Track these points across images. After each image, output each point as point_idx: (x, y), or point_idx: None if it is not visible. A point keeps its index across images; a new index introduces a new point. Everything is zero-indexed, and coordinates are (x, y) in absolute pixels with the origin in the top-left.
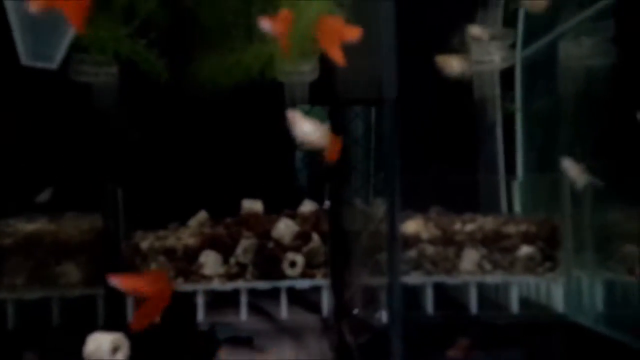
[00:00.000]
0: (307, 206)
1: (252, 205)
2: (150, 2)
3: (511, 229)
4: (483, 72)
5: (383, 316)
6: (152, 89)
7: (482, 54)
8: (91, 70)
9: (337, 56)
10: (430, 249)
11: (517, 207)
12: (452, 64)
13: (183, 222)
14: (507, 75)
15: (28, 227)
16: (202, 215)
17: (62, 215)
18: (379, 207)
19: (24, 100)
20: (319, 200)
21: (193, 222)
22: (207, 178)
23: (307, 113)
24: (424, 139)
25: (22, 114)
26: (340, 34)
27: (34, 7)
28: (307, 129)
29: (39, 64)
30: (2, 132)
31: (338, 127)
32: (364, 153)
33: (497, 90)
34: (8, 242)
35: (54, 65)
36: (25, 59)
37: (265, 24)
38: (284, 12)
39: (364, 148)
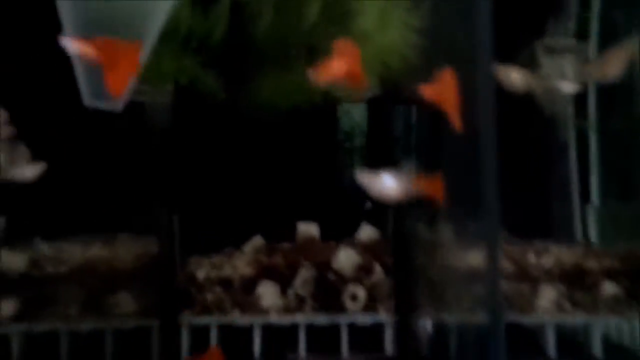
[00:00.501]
0: (366, 231)
1: (308, 229)
2: (214, 30)
3: (592, 263)
4: (554, 89)
5: (428, 326)
6: (207, 110)
7: (553, 68)
8: (146, 89)
9: (456, 120)
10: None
11: (593, 236)
12: (512, 76)
13: (237, 245)
14: (580, 93)
15: (82, 253)
16: (258, 240)
17: (115, 237)
18: (444, 233)
19: (79, 121)
20: (380, 225)
21: (248, 247)
22: (261, 200)
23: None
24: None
25: (78, 135)
26: (453, 96)
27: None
28: (389, 182)
29: (103, 106)
30: (58, 155)
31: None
32: (404, 153)
33: (570, 109)
34: (62, 270)
35: (118, 107)
36: (88, 101)
37: (313, 75)
38: (343, 55)
39: (405, 147)
